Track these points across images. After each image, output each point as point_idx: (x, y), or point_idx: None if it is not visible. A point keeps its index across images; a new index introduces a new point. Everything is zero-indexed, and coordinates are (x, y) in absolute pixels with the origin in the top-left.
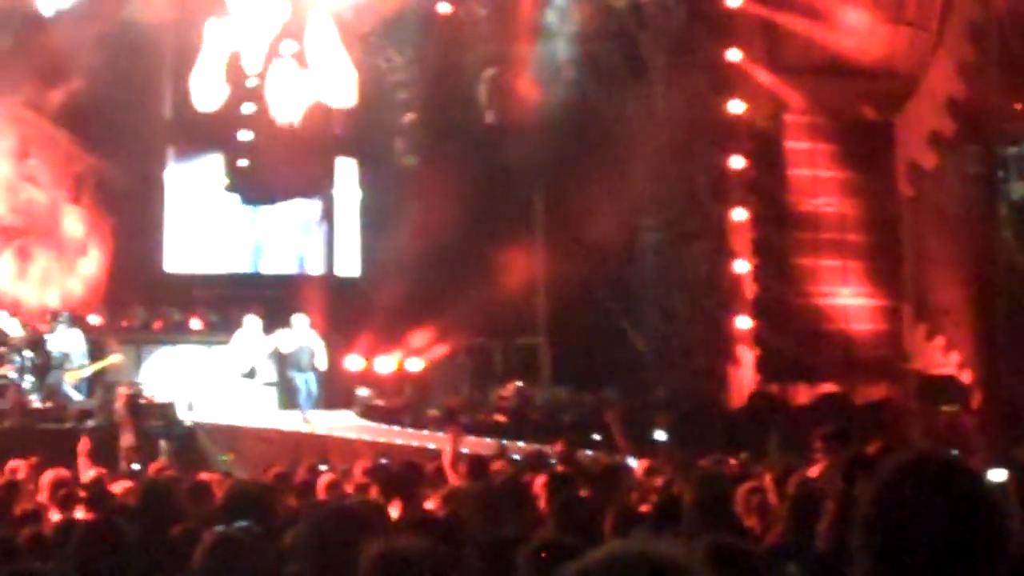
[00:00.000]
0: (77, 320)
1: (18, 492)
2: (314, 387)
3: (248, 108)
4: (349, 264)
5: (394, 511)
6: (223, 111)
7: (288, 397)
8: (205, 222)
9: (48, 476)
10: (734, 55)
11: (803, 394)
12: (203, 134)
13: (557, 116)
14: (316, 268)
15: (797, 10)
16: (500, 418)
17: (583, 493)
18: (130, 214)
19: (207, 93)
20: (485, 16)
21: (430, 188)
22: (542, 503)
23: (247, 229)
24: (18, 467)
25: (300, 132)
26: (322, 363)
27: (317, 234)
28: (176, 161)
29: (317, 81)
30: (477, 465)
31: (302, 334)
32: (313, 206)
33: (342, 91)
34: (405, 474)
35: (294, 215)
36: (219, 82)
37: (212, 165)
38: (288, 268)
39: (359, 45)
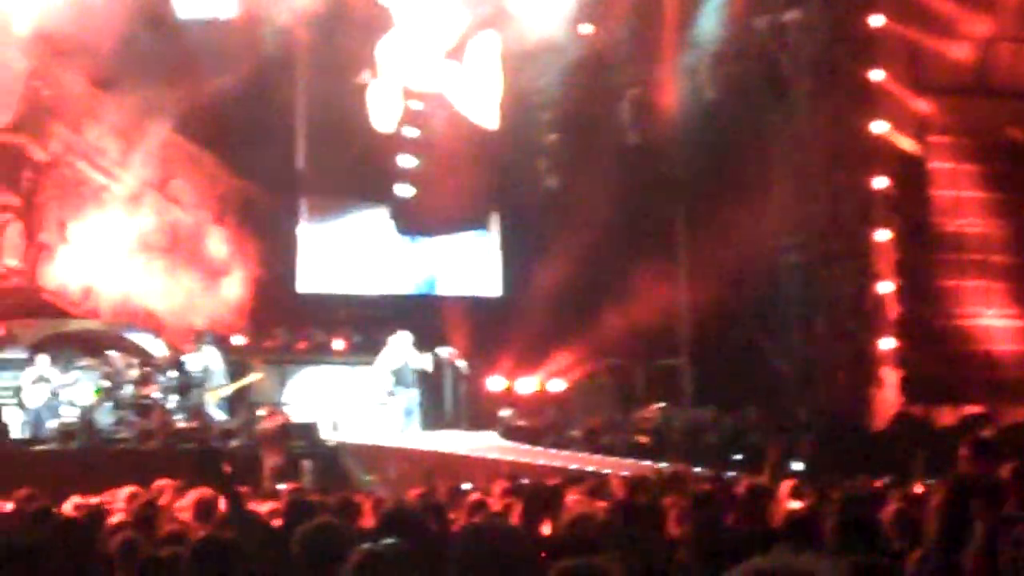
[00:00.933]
0: (220, 340)
1: (162, 512)
2: (416, 405)
3: (411, 132)
4: (491, 284)
5: (540, 530)
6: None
7: (406, 413)
8: (347, 242)
9: (192, 496)
10: (877, 75)
11: (948, 415)
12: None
13: (698, 137)
14: (458, 289)
15: (941, 30)
16: (642, 439)
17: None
18: (273, 235)
19: (379, 112)
20: (627, 37)
21: (572, 208)
22: (681, 524)
23: (391, 250)
24: (163, 487)
25: (459, 158)
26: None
27: (460, 255)
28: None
29: (474, 103)
30: (614, 485)
31: (406, 352)
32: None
33: (491, 113)
34: (548, 493)
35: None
36: (390, 102)
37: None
38: (430, 288)
39: (504, 66)
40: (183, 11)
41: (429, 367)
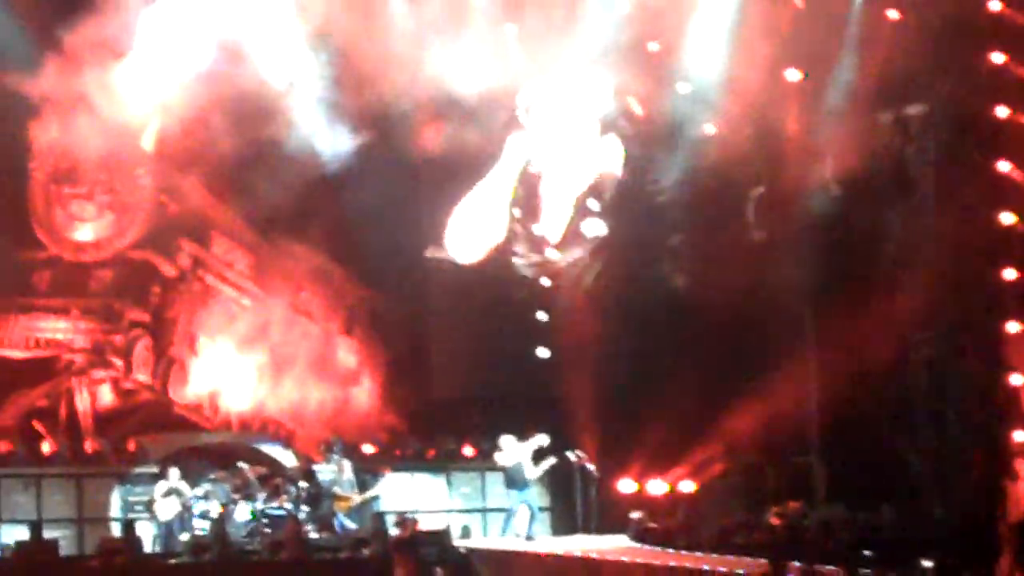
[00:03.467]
0: (350, 450)
1: None
2: (535, 506)
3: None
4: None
5: None
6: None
7: (506, 517)
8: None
9: None
10: (1004, 166)
11: None
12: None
13: (825, 234)
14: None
15: None
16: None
17: None
18: (400, 343)
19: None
20: (751, 134)
21: (699, 309)
22: None
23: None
24: None
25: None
26: (533, 475)
27: None
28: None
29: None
30: None
31: (516, 453)
32: None
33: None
34: None
35: None
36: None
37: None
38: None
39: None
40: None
41: (543, 471)
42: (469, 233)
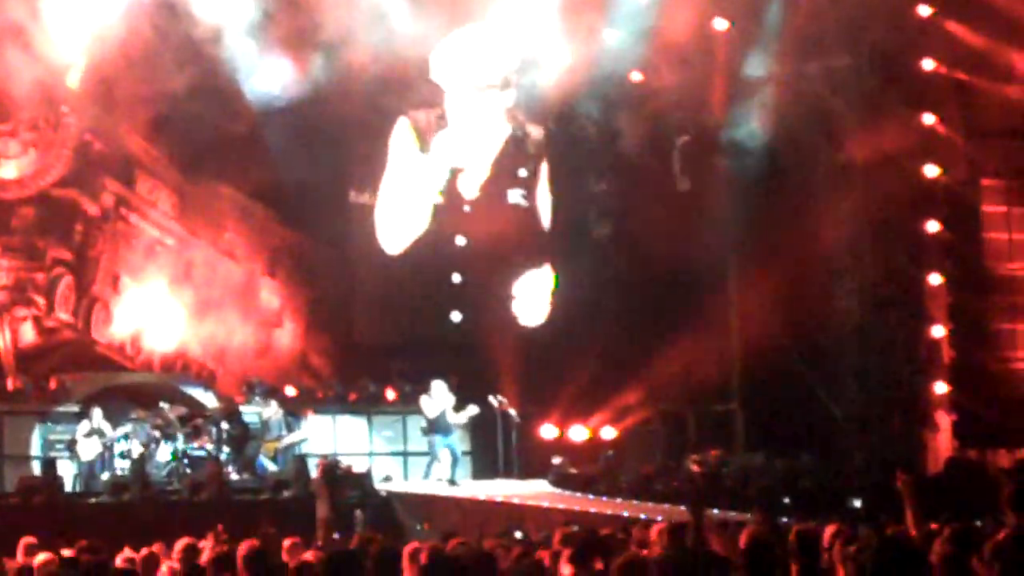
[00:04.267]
0: (273, 392)
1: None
2: (458, 451)
3: (460, 241)
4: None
5: None
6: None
7: (429, 463)
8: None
9: (242, 548)
10: (928, 119)
11: (1003, 459)
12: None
13: (749, 183)
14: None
15: (992, 73)
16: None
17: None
18: (324, 286)
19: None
20: (678, 82)
21: (622, 256)
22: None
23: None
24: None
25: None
26: (456, 420)
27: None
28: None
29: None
30: (674, 533)
31: (443, 399)
32: None
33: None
34: (602, 542)
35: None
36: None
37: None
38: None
39: (553, 117)
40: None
41: (466, 417)
42: (394, 225)
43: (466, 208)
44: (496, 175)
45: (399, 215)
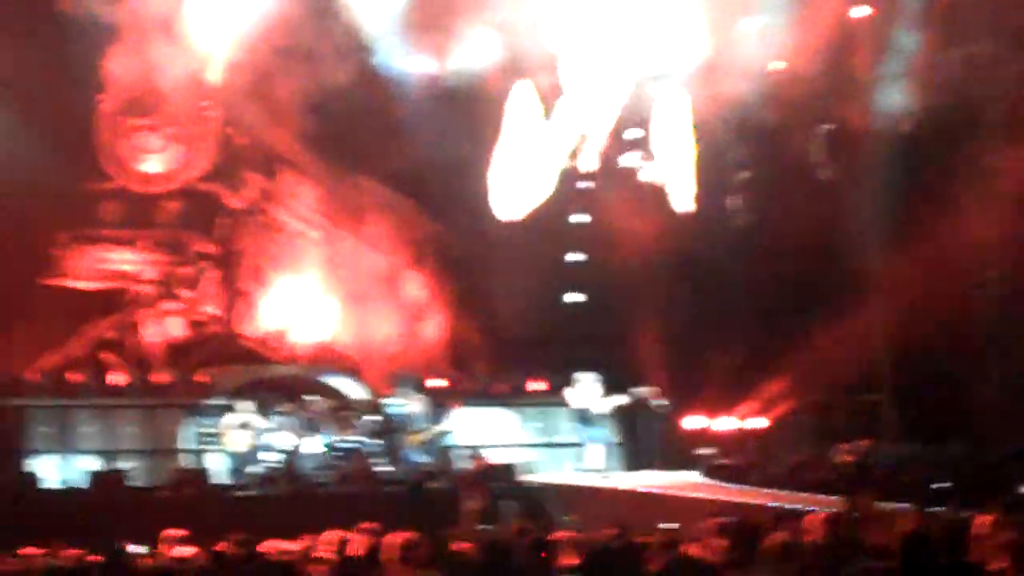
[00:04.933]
0: (419, 384)
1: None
2: (606, 442)
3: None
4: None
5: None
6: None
7: (579, 454)
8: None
9: (395, 538)
10: None
11: None
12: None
13: (893, 171)
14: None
15: None
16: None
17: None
18: (469, 278)
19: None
20: (819, 72)
21: (765, 246)
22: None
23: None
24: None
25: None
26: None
27: None
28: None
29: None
30: (831, 523)
31: (590, 390)
32: None
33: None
34: (755, 531)
35: None
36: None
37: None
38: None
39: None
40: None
41: (612, 408)
42: (512, 191)
43: (589, 184)
44: (620, 147)
45: (518, 181)
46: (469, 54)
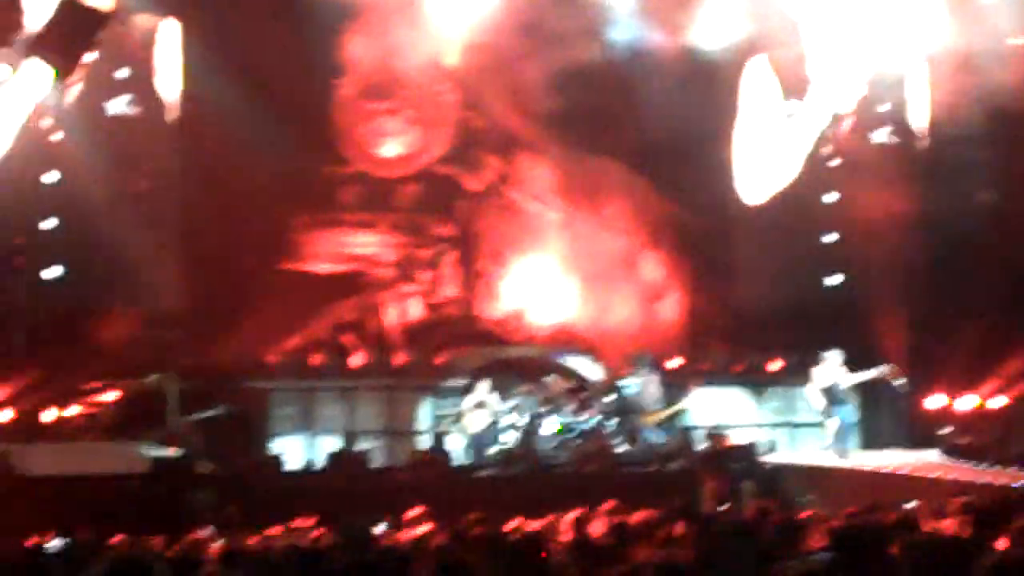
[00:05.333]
0: (657, 364)
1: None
2: (850, 422)
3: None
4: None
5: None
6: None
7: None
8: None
9: (637, 517)
10: None
11: None
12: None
13: None
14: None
15: None
16: None
17: None
18: (706, 257)
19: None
20: None
21: (1007, 225)
22: None
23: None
24: (606, 510)
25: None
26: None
27: None
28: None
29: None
30: None
31: (837, 371)
32: None
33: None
34: (1002, 510)
35: None
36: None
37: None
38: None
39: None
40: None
41: (854, 387)
42: (755, 173)
43: (837, 161)
44: (868, 123)
45: (759, 163)
46: (709, 28)
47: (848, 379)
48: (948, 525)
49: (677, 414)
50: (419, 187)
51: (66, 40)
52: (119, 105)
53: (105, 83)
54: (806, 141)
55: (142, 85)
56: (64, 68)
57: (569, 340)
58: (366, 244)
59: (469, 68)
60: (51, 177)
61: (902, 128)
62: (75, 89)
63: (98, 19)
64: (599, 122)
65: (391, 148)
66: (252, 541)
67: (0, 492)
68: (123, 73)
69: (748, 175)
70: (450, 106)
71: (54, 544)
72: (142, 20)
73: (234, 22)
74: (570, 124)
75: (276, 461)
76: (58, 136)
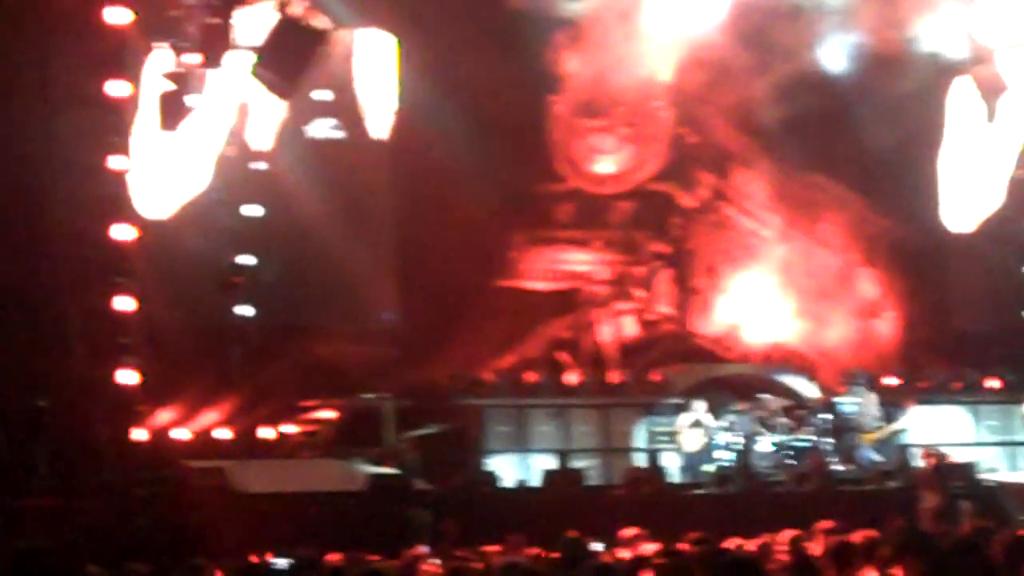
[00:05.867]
0: (873, 382)
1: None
2: None
3: None
4: None
5: None
6: None
7: None
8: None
9: (857, 537)
10: None
11: None
12: None
13: None
14: None
15: None
16: None
17: None
18: (921, 274)
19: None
20: None
21: None
22: None
23: None
24: (823, 529)
25: None
26: None
27: None
28: None
29: None
30: None
31: None
32: None
33: None
34: None
35: None
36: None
37: None
38: None
39: None
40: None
41: None
42: (961, 197)
43: None
44: None
45: (964, 187)
46: (921, 47)
47: None
48: None
49: (895, 433)
50: (634, 204)
51: (286, 60)
52: (323, 128)
53: (308, 105)
54: (1005, 167)
55: (347, 106)
56: (283, 89)
57: (784, 358)
58: (581, 261)
59: (685, 84)
60: (255, 209)
61: None
62: (280, 111)
63: (317, 38)
64: (815, 137)
65: (606, 165)
66: (471, 560)
67: (217, 509)
68: (326, 95)
69: (954, 200)
70: (665, 122)
71: (280, 561)
72: (345, 37)
73: (448, 38)
74: (785, 139)
75: (491, 478)
76: (261, 159)
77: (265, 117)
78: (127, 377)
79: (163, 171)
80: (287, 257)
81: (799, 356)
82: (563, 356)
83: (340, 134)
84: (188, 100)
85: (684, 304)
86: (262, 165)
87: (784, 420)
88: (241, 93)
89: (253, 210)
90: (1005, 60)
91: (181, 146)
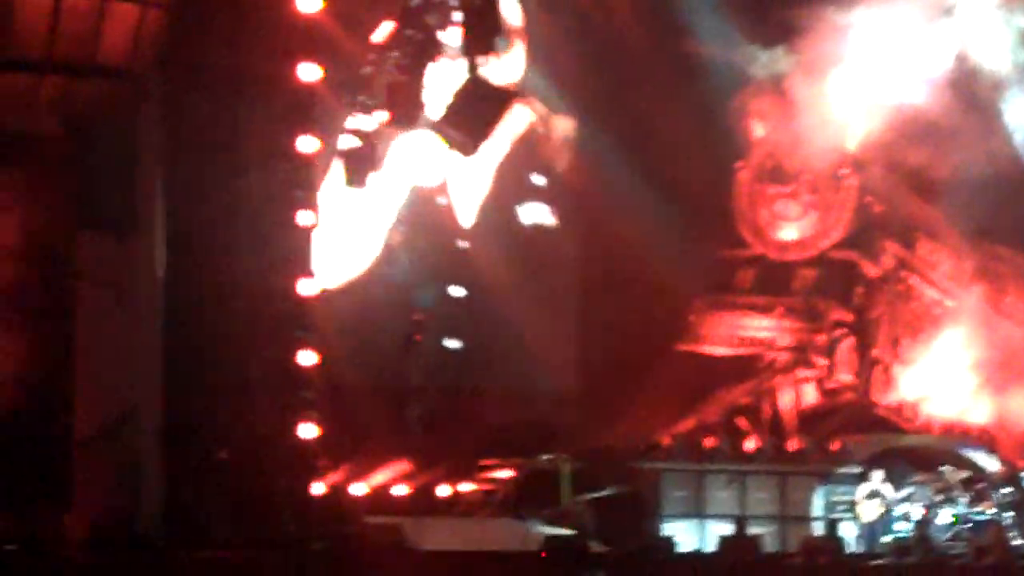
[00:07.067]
0: None
1: None
2: None
3: None
4: None
5: None
6: None
7: None
8: None
9: None
10: None
11: None
12: None
13: None
14: None
15: None
16: None
17: None
18: None
19: None
20: None
21: None
22: None
23: None
24: None
25: None
26: None
27: None
28: None
29: None
30: None
31: None
32: None
33: None
34: None
35: None
36: None
37: None
38: None
39: None
40: None
41: None
42: None
43: None
44: None
45: None
46: None
47: None
48: None
49: None
50: (817, 271)
51: (472, 119)
52: (537, 213)
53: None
54: None
55: (554, 189)
56: (466, 147)
57: (966, 430)
58: (762, 328)
59: (870, 153)
60: (457, 290)
61: None
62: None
63: (505, 99)
64: (998, 209)
65: (790, 232)
66: None
67: (394, 566)
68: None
69: None
70: (850, 190)
71: None
72: (560, 124)
73: (639, 107)
74: (971, 211)
75: (668, 543)
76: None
77: (468, 193)
78: (307, 431)
79: (347, 230)
80: (472, 314)
81: (980, 429)
82: (742, 422)
83: (552, 220)
84: (376, 158)
85: (865, 373)
86: (464, 243)
87: (964, 493)
88: (429, 153)
89: (456, 290)
90: None
91: (367, 203)
